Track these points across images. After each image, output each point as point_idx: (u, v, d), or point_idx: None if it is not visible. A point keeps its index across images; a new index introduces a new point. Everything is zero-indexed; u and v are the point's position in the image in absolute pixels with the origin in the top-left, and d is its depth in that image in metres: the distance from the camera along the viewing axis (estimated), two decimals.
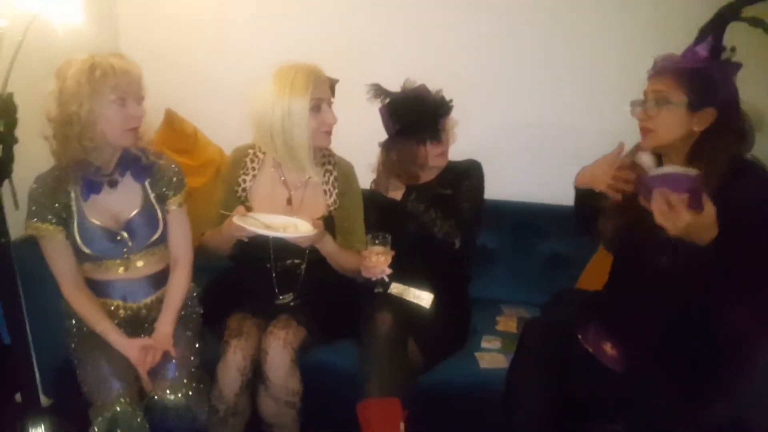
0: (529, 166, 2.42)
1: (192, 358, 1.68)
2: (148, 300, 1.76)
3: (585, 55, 2.29)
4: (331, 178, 1.89)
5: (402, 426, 1.52)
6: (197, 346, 1.74)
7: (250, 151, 1.90)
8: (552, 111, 2.38)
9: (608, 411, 1.52)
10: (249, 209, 1.81)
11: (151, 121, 2.27)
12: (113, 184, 1.68)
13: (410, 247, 1.92)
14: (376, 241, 1.80)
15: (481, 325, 2.07)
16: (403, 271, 1.89)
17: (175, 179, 1.76)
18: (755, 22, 1.38)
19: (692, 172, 1.23)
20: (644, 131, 1.46)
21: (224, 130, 2.28)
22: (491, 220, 2.26)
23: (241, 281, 1.93)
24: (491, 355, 1.85)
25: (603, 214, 1.55)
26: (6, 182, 1.73)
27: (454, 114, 2.07)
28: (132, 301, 1.74)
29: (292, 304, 1.86)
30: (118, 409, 1.49)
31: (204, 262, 1.97)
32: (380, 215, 2.01)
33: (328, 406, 1.75)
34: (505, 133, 2.43)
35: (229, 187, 1.88)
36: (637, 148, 1.51)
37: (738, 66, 1.42)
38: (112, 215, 1.68)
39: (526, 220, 2.32)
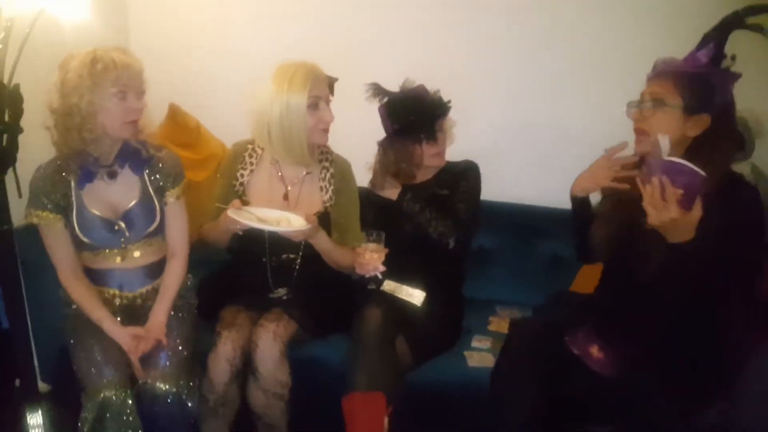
0: (529, 167, 2.42)
1: (184, 348, 1.70)
2: (144, 290, 1.79)
3: (585, 56, 2.29)
4: (328, 175, 1.91)
5: (386, 421, 1.54)
6: (190, 336, 1.76)
7: (249, 146, 1.93)
8: (552, 112, 2.38)
9: (599, 413, 1.51)
10: (246, 203, 1.84)
11: (155, 116, 2.34)
12: (113, 175, 1.72)
13: (405, 246, 1.94)
14: (370, 239, 1.83)
15: (475, 325, 2.07)
16: (397, 269, 1.91)
17: (173, 172, 1.79)
18: (759, 29, 1.38)
19: (702, 172, 1.24)
20: (638, 132, 1.47)
21: (227, 125, 2.31)
22: (490, 221, 2.27)
23: (237, 274, 1.96)
24: (480, 355, 1.86)
25: (597, 219, 1.56)
26: (10, 171, 1.78)
27: (454, 115, 2.09)
28: (128, 290, 1.77)
29: (284, 298, 1.88)
30: (109, 394, 1.52)
31: (202, 254, 2.01)
32: (377, 214, 2.03)
33: (318, 399, 1.77)
34: (505, 134, 2.43)
35: (228, 181, 1.91)
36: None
37: (737, 75, 1.42)
38: (111, 206, 1.71)
39: (525, 222, 2.32)
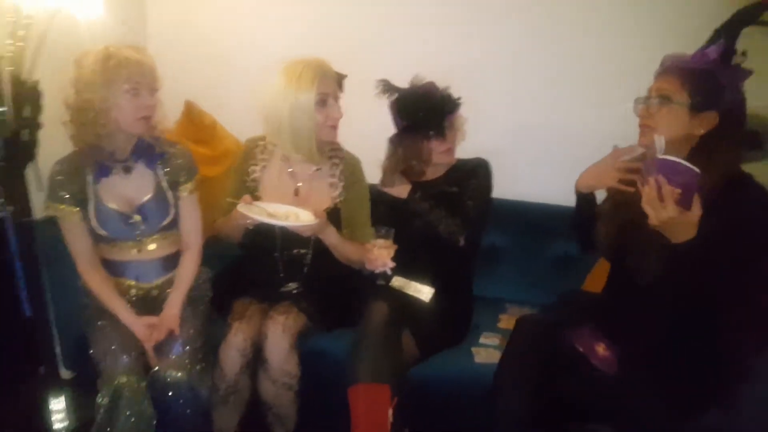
0: (541, 165, 2.41)
1: (197, 339, 1.75)
2: (160, 281, 1.85)
3: (600, 56, 2.27)
4: (338, 171, 1.93)
5: (390, 412, 1.56)
6: (203, 327, 1.81)
7: (261, 142, 1.96)
8: (563, 111, 2.37)
9: (600, 412, 1.51)
10: (257, 199, 1.88)
11: (173, 113, 2.39)
12: (128, 170, 1.77)
13: (415, 243, 1.95)
14: (379, 235, 1.84)
15: (484, 322, 2.08)
16: (406, 266, 1.93)
17: (186, 167, 1.84)
18: None
19: (697, 169, 1.23)
20: (643, 128, 1.45)
21: (243, 122, 2.34)
22: (501, 219, 2.28)
23: (250, 268, 2.00)
24: (487, 351, 1.87)
25: (599, 218, 1.55)
26: (31, 165, 1.85)
27: (466, 112, 2.09)
28: (144, 281, 1.83)
29: (294, 292, 1.91)
30: (123, 381, 1.57)
31: (217, 249, 2.06)
32: (387, 211, 2.04)
33: (327, 391, 1.79)
34: (516, 132, 2.43)
35: (240, 177, 1.95)
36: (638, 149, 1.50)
37: (748, 72, 1.39)
38: (127, 199, 1.76)
39: (537, 221, 2.32)
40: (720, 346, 1.40)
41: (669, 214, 1.22)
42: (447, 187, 2.03)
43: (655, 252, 1.34)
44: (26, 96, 1.77)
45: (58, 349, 2.02)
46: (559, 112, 2.38)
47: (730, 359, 1.40)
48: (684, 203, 1.23)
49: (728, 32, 1.39)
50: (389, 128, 2.11)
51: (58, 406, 1.98)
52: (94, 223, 1.72)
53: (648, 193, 1.24)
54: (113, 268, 1.80)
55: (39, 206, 1.85)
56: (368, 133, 2.08)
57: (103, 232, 1.74)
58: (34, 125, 1.81)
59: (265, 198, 1.90)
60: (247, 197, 1.76)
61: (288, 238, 1.85)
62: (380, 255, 1.82)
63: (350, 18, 2.48)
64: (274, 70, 1.83)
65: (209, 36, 2.65)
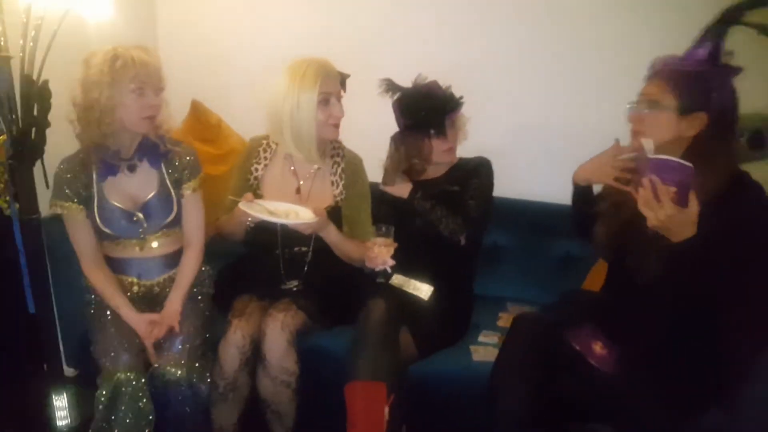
0: (544, 165, 2.40)
1: (197, 336, 1.76)
2: (161, 278, 1.87)
3: (603, 56, 2.26)
4: (339, 170, 1.94)
5: (386, 410, 1.56)
6: (204, 324, 1.82)
7: (264, 141, 1.98)
8: (566, 110, 2.36)
9: (599, 412, 1.50)
10: (260, 197, 1.89)
11: (181, 112, 2.42)
12: (132, 168, 1.79)
13: (415, 241, 1.95)
14: (380, 233, 1.85)
15: (484, 320, 2.08)
16: (407, 264, 1.94)
17: (190, 166, 1.86)
18: (758, 27, 1.34)
19: (688, 163, 1.22)
20: (634, 133, 1.45)
21: (250, 121, 2.37)
22: (503, 218, 2.27)
23: (251, 266, 2.01)
24: (486, 349, 1.86)
25: (598, 218, 1.54)
26: (38, 163, 1.88)
27: (468, 111, 2.10)
28: (146, 278, 1.85)
29: (294, 289, 1.92)
30: (123, 377, 1.59)
31: (221, 247, 2.07)
32: (388, 210, 2.04)
33: (326, 389, 1.79)
34: (521, 131, 2.43)
35: (243, 175, 1.97)
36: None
37: (737, 70, 1.38)
38: (130, 197, 1.79)
39: (538, 219, 2.31)
40: (719, 346, 1.39)
41: (667, 212, 1.21)
42: (449, 186, 2.04)
43: (655, 252, 1.33)
44: (35, 95, 1.81)
45: (61, 347, 2.04)
46: (560, 111, 2.38)
47: (729, 359, 1.39)
48: (680, 201, 1.22)
49: (715, 32, 1.37)
50: (392, 127, 2.12)
51: (60, 403, 2.00)
52: (98, 220, 1.75)
53: (644, 194, 1.24)
54: (116, 266, 1.83)
55: (46, 204, 1.88)
56: (371, 132, 2.09)
57: (107, 230, 1.76)
58: (42, 124, 1.84)
59: (268, 196, 1.91)
60: (248, 195, 1.77)
61: (289, 235, 1.86)
62: (380, 253, 1.83)
63: (354, 18, 2.51)
64: (279, 70, 1.85)
65: (216, 37, 2.69)
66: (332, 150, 1.96)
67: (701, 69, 1.36)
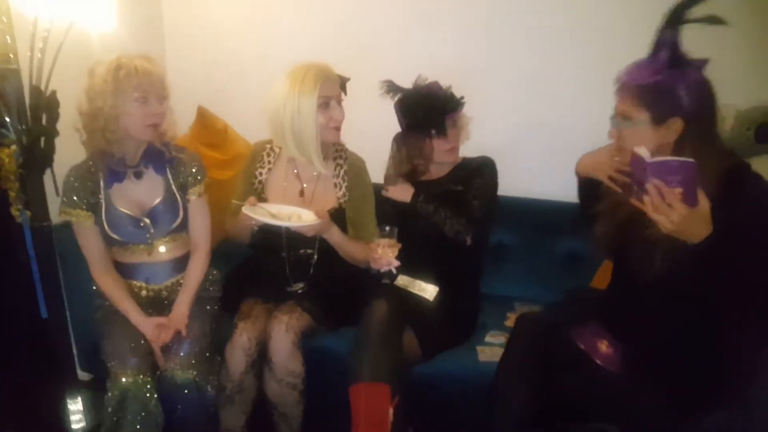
0: (548, 163, 2.38)
1: (204, 339, 1.78)
2: (169, 282, 1.89)
3: (606, 53, 2.23)
4: (341, 172, 1.95)
5: (391, 412, 1.56)
6: (211, 327, 1.85)
7: (268, 145, 2.00)
8: (571, 108, 2.34)
9: (602, 411, 1.49)
10: (264, 201, 1.92)
11: (187, 118, 2.46)
12: (139, 175, 1.83)
13: (420, 242, 1.95)
14: (383, 234, 1.85)
15: (492, 320, 2.07)
16: (412, 265, 1.94)
17: (195, 171, 1.88)
18: (706, 19, 1.31)
19: (689, 160, 1.20)
20: (618, 148, 1.44)
21: (257, 127, 2.40)
22: (509, 217, 2.26)
23: (258, 269, 2.03)
24: (492, 349, 1.85)
25: (596, 218, 1.52)
26: (48, 171, 1.92)
27: (472, 111, 2.10)
28: (154, 283, 1.88)
29: (300, 291, 1.94)
30: (130, 380, 1.61)
31: (229, 250, 2.10)
32: (393, 211, 2.05)
33: (332, 390, 1.80)
34: (524, 129, 2.41)
35: (248, 179, 1.99)
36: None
37: (703, 62, 1.35)
38: (137, 203, 1.82)
39: (545, 218, 2.29)
40: (723, 345, 1.36)
41: (680, 214, 1.18)
42: (452, 186, 2.04)
43: (658, 254, 1.30)
44: (44, 106, 1.85)
45: (75, 351, 2.08)
46: (563, 110, 2.36)
47: (733, 359, 1.36)
48: (689, 200, 1.19)
49: (669, 37, 1.34)
50: (394, 128, 2.12)
51: (75, 406, 2.04)
52: (106, 227, 1.78)
53: (651, 201, 1.21)
54: (125, 271, 1.86)
55: (56, 211, 1.91)
56: (373, 134, 2.10)
57: (115, 236, 1.79)
58: (50, 133, 1.88)
59: (272, 199, 1.93)
60: (252, 199, 1.79)
61: (294, 238, 1.88)
62: (384, 254, 1.83)
63: (358, 24, 2.52)
64: (283, 75, 1.87)
65: (223, 44, 2.71)
66: (335, 152, 1.98)
67: (663, 77, 1.32)
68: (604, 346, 1.51)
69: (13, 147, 1.83)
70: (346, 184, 1.95)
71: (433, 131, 1.98)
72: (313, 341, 1.85)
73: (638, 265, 1.37)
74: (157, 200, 1.83)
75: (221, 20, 2.71)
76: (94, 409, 2.07)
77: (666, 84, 1.32)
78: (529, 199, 2.33)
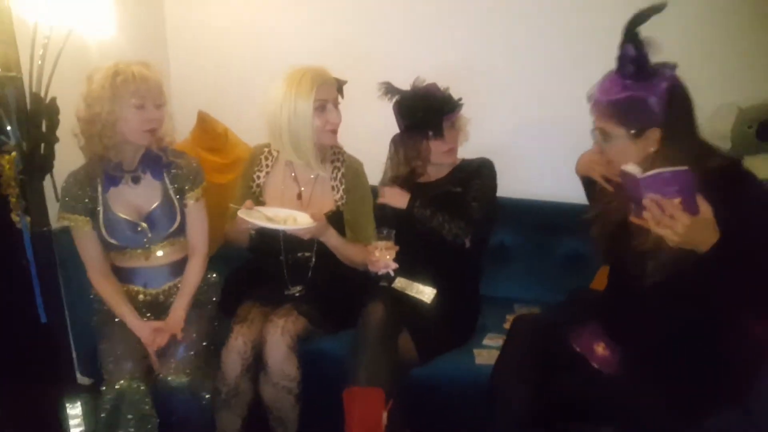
0: (550, 164, 2.37)
1: (200, 343, 1.78)
2: (167, 286, 1.90)
3: (609, 53, 2.22)
4: (339, 175, 1.95)
5: (385, 416, 1.55)
6: (208, 331, 1.85)
7: (266, 149, 2.01)
8: (572, 110, 2.29)
9: (600, 412, 1.46)
10: (262, 204, 1.92)
11: (189, 122, 2.47)
12: (136, 180, 1.84)
13: (419, 245, 1.94)
14: (381, 236, 1.84)
15: (491, 322, 2.05)
16: (411, 267, 1.93)
17: (193, 176, 1.89)
18: (656, 9, 1.28)
19: (683, 167, 1.17)
20: (606, 162, 1.43)
21: (258, 130, 2.41)
22: (510, 218, 2.25)
23: (257, 272, 2.04)
24: (489, 352, 1.83)
25: (592, 222, 1.51)
26: (48, 177, 1.94)
27: (473, 112, 2.09)
28: (152, 287, 1.89)
29: (297, 294, 1.93)
30: (125, 384, 1.62)
31: (231, 253, 2.10)
32: (393, 213, 2.04)
33: (330, 394, 1.79)
34: (526, 130, 2.40)
35: (246, 183, 2.00)
36: None
37: (672, 66, 1.32)
38: (135, 208, 1.83)
39: (546, 219, 2.28)
40: (723, 345, 1.33)
41: (684, 223, 1.15)
42: (451, 188, 2.02)
43: (649, 265, 1.29)
44: (44, 112, 1.87)
45: (74, 355, 2.09)
46: (565, 110, 2.33)
47: (733, 359, 1.34)
48: (690, 208, 1.16)
49: (632, 51, 1.31)
50: (393, 130, 2.12)
51: (74, 410, 2.04)
52: (103, 231, 1.79)
53: (652, 216, 1.18)
54: (122, 275, 1.87)
55: (55, 216, 1.93)
56: (372, 136, 2.10)
57: (112, 241, 1.80)
58: (50, 140, 1.90)
59: (270, 203, 1.94)
60: (248, 202, 1.80)
61: (292, 241, 1.88)
62: (382, 256, 1.82)
63: (359, 28, 2.52)
64: (280, 79, 1.87)
65: (225, 49, 2.72)
66: (332, 155, 1.98)
67: (632, 91, 1.31)
68: (601, 349, 1.49)
69: (14, 153, 1.85)
70: (343, 186, 1.95)
71: (431, 132, 1.97)
72: (310, 344, 1.84)
73: (632, 272, 1.35)
74: (155, 205, 1.84)
75: (223, 25, 2.72)
76: (93, 413, 2.07)
77: (636, 98, 1.31)
78: (530, 200, 2.32)
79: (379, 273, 1.86)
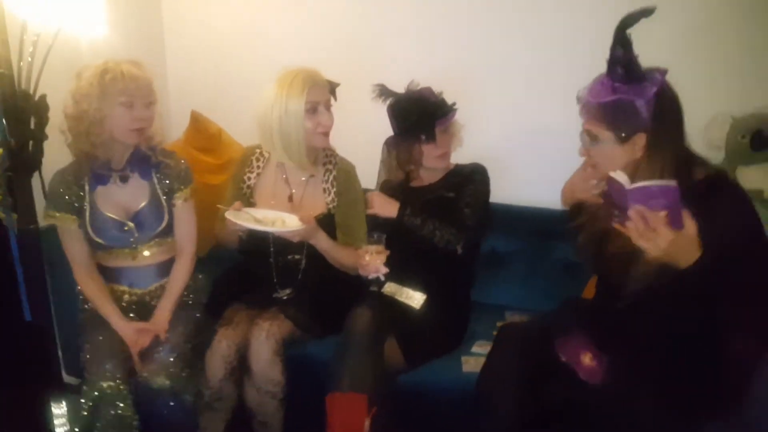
0: (544, 170, 2.33)
1: (184, 345, 1.76)
2: (153, 287, 1.88)
3: (603, 60, 2.21)
4: (330, 177, 1.93)
5: (367, 423, 1.52)
6: (193, 333, 1.82)
7: (257, 150, 1.99)
8: (566, 115, 2.29)
9: (593, 418, 1.44)
10: (252, 205, 1.90)
11: (184, 122, 2.46)
12: (124, 179, 1.82)
13: (410, 251, 1.92)
14: (371, 240, 1.83)
15: (482, 330, 2.02)
16: (401, 272, 1.90)
17: (181, 176, 1.88)
18: (645, 12, 1.28)
19: (671, 183, 1.15)
20: (591, 165, 1.42)
21: (255, 132, 2.40)
22: (503, 225, 2.23)
23: (246, 274, 2.01)
24: (477, 360, 1.79)
25: (579, 230, 1.49)
26: (36, 174, 1.92)
27: (467, 117, 2.07)
28: (138, 287, 1.87)
29: (285, 298, 1.91)
30: (106, 385, 1.60)
31: (222, 253, 2.08)
32: (385, 218, 2.02)
33: (315, 398, 1.77)
34: (520, 136, 2.38)
35: (237, 184, 1.98)
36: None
37: (662, 71, 1.31)
38: (122, 207, 1.81)
39: (539, 226, 2.25)
40: (715, 353, 1.32)
41: (666, 238, 1.13)
42: (444, 192, 2.00)
43: (631, 276, 1.27)
44: (32, 109, 1.86)
45: (60, 355, 2.07)
46: (560, 117, 2.32)
47: (728, 366, 1.32)
48: (674, 222, 1.14)
49: (622, 54, 1.30)
50: (387, 134, 2.10)
51: (59, 410, 2.02)
52: (89, 230, 1.77)
53: (635, 228, 1.16)
54: (109, 274, 1.85)
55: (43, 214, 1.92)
56: (365, 139, 2.09)
57: (99, 240, 1.79)
58: (39, 137, 1.89)
59: (261, 204, 1.92)
60: (237, 204, 1.78)
61: (282, 244, 1.86)
62: (372, 260, 1.80)
63: (357, 32, 2.51)
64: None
65: (223, 49, 2.72)
66: (325, 158, 1.96)
67: (621, 94, 1.29)
68: (588, 359, 1.47)
69: (0, 150, 1.83)
70: (335, 189, 1.93)
71: (423, 137, 1.95)
72: (296, 349, 1.82)
73: (618, 283, 1.34)
74: (142, 204, 1.83)
75: (221, 25, 2.71)
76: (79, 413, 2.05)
77: (624, 101, 1.29)
78: (523, 206, 2.29)
79: (370, 277, 1.84)
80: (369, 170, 2.10)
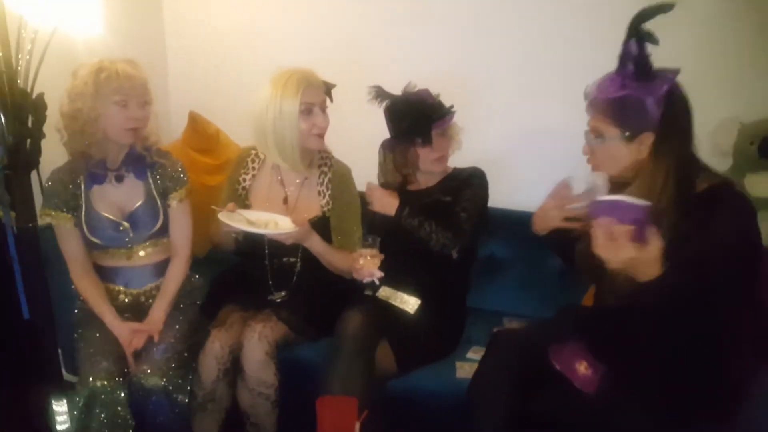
0: (542, 174, 2.27)
1: (178, 345, 1.76)
2: (148, 287, 1.88)
3: (605, 63, 2.17)
4: (325, 180, 1.92)
5: (358, 426, 1.51)
6: (187, 334, 1.82)
7: (253, 151, 1.98)
8: (566, 119, 2.26)
9: (587, 426, 1.41)
10: (248, 207, 1.90)
11: (185, 122, 2.46)
12: (120, 178, 1.82)
13: (405, 254, 1.90)
14: (366, 244, 1.81)
15: (477, 335, 1.99)
16: (397, 276, 1.89)
17: (177, 177, 1.87)
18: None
19: (643, 203, 1.15)
20: (592, 164, 1.39)
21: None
22: (501, 230, 2.21)
23: (242, 276, 2.01)
24: (471, 366, 1.77)
25: (579, 239, 1.46)
26: (34, 173, 1.93)
27: (466, 120, 2.05)
28: (133, 287, 1.87)
29: (279, 300, 1.90)
30: (99, 383, 1.60)
31: (219, 255, 2.08)
32: (382, 218, 2.00)
33: (309, 401, 1.76)
34: (518, 140, 2.35)
35: (232, 185, 1.97)
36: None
37: (674, 72, 1.28)
38: (117, 207, 1.81)
39: None
40: (710, 364, 1.29)
41: (627, 254, 1.13)
42: (441, 196, 1.99)
43: (622, 284, 1.26)
44: (30, 107, 1.86)
45: (60, 353, 2.07)
46: (557, 120, 2.29)
47: (728, 378, 1.29)
48: (639, 238, 1.13)
49: (633, 50, 1.26)
50: (384, 136, 2.08)
51: (60, 408, 2.02)
52: (85, 230, 1.77)
53: (598, 236, 1.15)
54: (104, 274, 1.85)
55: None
56: (362, 141, 2.07)
57: (94, 239, 1.79)
58: (36, 135, 1.89)
59: (256, 206, 1.91)
60: (231, 205, 1.77)
61: (276, 246, 1.85)
62: (367, 264, 1.78)
63: (353, 29, 2.49)
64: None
65: (223, 50, 2.71)
66: (320, 160, 1.95)
67: (631, 91, 1.26)
68: (583, 368, 1.45)
69: None
70: (330, 192, 1.91)
71: (419, 139, 1.93)
72: (289, 351, 1.81)
73: (611, 290, 1.31)
74: (137, 204, 1.83)
75: (223, 26, 2.71)
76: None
77: (633, 97, 1.26)
78: (522, 211, 2.25)
79: (364, 281, 1.82)
80: (365, 173, 2.08)
